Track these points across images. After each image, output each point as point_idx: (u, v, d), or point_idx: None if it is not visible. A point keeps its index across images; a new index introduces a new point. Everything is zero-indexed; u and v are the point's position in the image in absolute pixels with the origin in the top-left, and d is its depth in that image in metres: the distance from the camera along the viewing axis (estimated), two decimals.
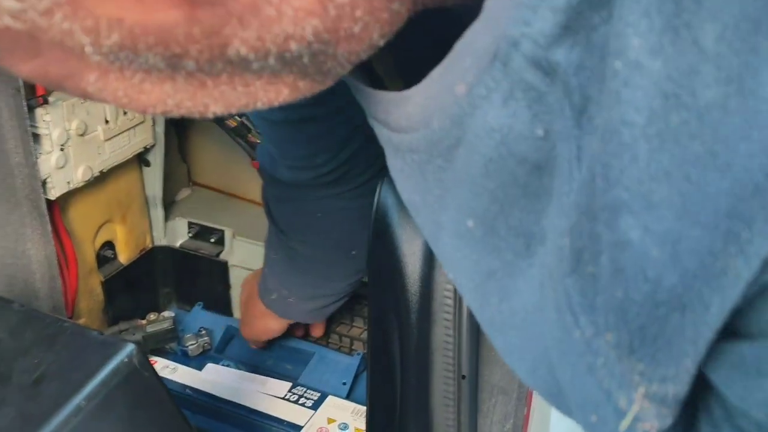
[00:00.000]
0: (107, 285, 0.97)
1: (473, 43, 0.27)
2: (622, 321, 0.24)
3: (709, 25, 0.20)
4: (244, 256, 1.02)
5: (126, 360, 0.56)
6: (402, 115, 0.32)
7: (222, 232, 1.03)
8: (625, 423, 0.25)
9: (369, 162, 0.72)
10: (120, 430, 0.56)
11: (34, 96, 0.79)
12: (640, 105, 0.22)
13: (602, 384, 0.26)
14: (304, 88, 0.28)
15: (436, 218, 0.34)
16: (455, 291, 0.55)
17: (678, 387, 0.24)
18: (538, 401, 0.61)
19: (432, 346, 0.56)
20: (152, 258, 1.04)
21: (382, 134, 0.35)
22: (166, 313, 1.01)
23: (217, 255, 1.03)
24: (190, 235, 1.05)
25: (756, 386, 0.23)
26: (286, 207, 0.80)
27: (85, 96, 0.27)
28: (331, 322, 0.99)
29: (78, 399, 0.53)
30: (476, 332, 0.56)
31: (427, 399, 0.58)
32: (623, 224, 0.23)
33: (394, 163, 0.36)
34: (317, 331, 0.99)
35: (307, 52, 0.26)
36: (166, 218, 1.04)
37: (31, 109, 0.77)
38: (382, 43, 0.28)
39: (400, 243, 0.57)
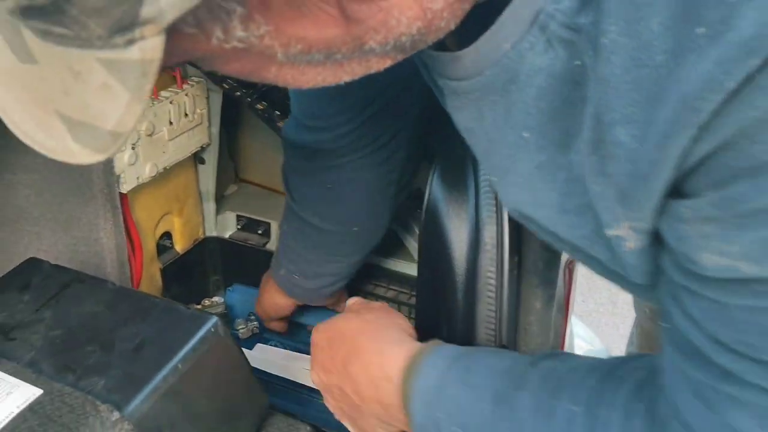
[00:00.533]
0: (165, 272, 1.06)
1: (514, 16, 0.40)
2: (615, 186, 0.40)
3: (655, 18, 0.34)
4: None
5: (212, 330, 0.65)
6: (458, 68, 0.46)
7: (268, 224, 1.12)
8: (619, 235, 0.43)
9: (382, 129, 0.80)
10: (209, 388, 0.65)
11: None
12: (619, 64, 0.36)
13: (609, 219, 0.42)
14: (398, 57, 0.42)
15: (489, 137, 0.48)
16: (498, 272, 0.63)
17: (644, 224, 0.41)
18: None
19: (477, 319, 0.65)
20: (204, 248, 1.13)
21: (442, 82, 0.49)
22: (217, 299, 1.10)
23: (264, 245, 1.12)
24: (239, 227, 1.14)
25: (679, 228, 0.39)
26: (301, 177, 0.88)
27: (263, 80, 0.40)
28: None
29: (174, 361, 0.62)
30: (515, 307, 0.65)
31: None
32: (617, 132, 0.38)
33: (452, 103, 0.50)
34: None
35: (410, 41, 0.39)
36: (217, 212, 1.13)
37: None
38: (453, 28, 0.41)
39: (449, 232, 0.66)
